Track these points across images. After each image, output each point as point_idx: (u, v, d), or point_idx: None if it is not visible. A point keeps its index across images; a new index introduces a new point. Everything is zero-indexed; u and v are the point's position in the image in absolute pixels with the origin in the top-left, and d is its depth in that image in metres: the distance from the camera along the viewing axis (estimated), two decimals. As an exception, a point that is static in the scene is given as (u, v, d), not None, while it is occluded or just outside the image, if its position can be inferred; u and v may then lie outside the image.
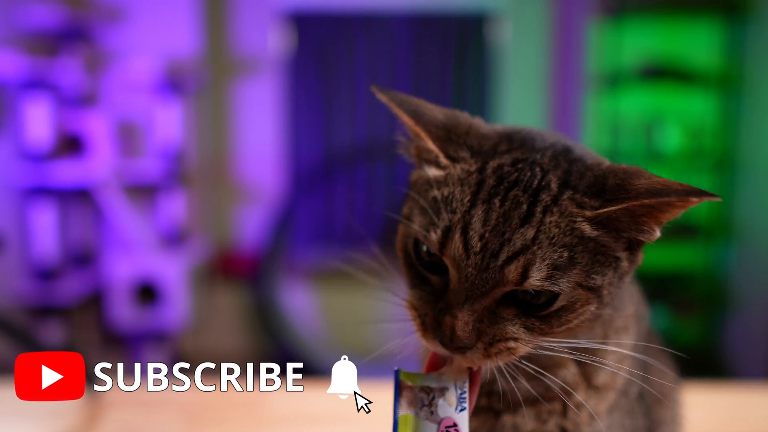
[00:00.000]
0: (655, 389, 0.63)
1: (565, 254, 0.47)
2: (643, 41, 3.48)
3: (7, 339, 1.12)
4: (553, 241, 0.47)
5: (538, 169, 0.50)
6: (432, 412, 0.49)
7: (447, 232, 0.48)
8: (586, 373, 0.55)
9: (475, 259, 0.47)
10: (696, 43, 3.51)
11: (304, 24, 3.73)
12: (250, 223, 3.89)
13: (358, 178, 3.83)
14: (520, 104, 3.82)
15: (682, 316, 3.59)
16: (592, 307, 0.49)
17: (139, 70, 3.19)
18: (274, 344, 3.70)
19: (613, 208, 0.47)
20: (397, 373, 0.51)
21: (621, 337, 0.57)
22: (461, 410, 0.49)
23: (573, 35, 3.70)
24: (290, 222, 3.81)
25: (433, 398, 0.49)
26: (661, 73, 3.36)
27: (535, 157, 0.51)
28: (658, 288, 3.36)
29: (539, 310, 0.48)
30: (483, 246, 0.47)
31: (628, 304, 0.59)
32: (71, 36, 3.30)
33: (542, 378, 0.52)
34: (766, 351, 3.11)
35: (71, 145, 3.34)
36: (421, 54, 3.76)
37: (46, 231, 3.21)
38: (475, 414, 0.55)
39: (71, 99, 3.30)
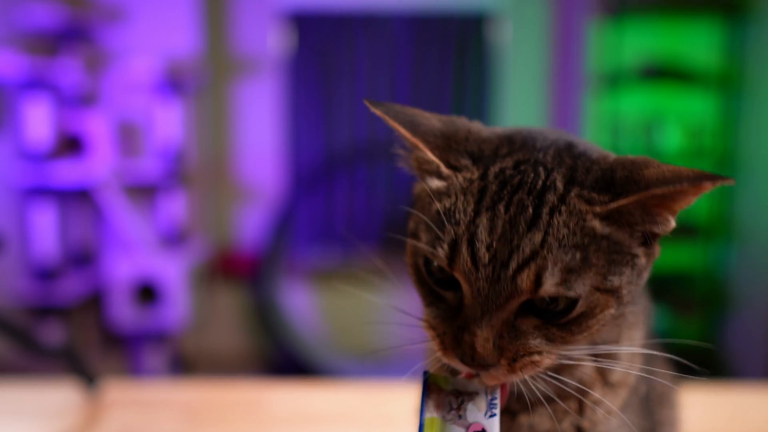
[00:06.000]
0: (657, 389, 0.63)
1: (578, 255, 0.45)
2: (643, 41, 3.48)
3: (7, 339, 1.11)
4: (564, 242, 0.45)
5: (541, 169, 0.48)
6: (460, 416, 0.47)
7: (453, 246, 0.46)
8: (602, 370, 0.55)
9: (486, 271, 0.45)
10: (696, 43, 3.51)
11: (304, 24, 3.73)
12: (250, 223, 3.89)
13: (358, 178, 3.83)
14: (520, 104, 3.82)
15: (682, 316, 3.59)
16: (612, 310, 0.48)
17: (139, 70, 3.19)
18: (274, 344, 3.70)
19: (624, 201, 0.45)
20: (426, 375, 0.49)
21: (633, 333, 0.57)
22: (491, 416, 0.47)
23: (573, 35, 3.70)
24: (290, 222, 3.81)
25: (462, 402, 0.48)
26: (661, 73, 3.36)
27: (538, 157, 0.49)
28: (658, 288, 3.33)
29: (558, 318, 0.46)
30: (492, 256, 0.45)
31: (640, 300, 0.58)
32: (71, 36, 3.30)
33: (559, 379, 0.52)
34: (766, 351, 3.11)
35: (71, 145, 3.34)
36: (421, 54, 3.76)
37: (46, 231, 3.21)
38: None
39: (71, 99, 3.30)
